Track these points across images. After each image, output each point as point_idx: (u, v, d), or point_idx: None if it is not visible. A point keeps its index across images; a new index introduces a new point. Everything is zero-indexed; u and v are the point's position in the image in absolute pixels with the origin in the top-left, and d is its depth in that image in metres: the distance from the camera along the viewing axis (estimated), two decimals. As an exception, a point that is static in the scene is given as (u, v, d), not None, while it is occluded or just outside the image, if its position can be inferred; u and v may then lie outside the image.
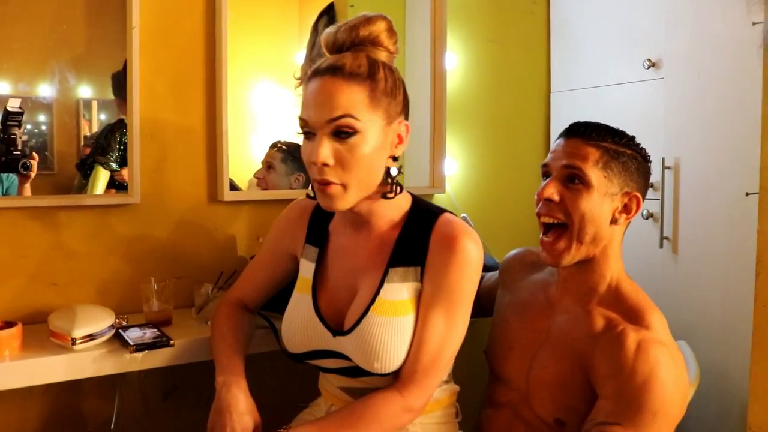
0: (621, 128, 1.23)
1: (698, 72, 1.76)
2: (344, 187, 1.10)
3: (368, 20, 1.13)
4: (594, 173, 1.16)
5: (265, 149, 1.86)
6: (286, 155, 1.85)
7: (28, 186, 1.52)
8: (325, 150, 1.07)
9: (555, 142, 1.25)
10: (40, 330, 1.38)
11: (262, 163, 1.84)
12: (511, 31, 2.20)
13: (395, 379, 1.15)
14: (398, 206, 1.21)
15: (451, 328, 1.15)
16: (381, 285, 1.16)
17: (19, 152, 1.49)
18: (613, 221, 1.19)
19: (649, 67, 1.90)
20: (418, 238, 1.17)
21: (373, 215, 1.19)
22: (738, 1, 1.61)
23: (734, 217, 1.65)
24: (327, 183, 1.09)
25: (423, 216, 1.19)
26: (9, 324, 1.30)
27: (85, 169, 1.62)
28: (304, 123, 1.11)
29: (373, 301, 1.15)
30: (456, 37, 2.07)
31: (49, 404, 1.54)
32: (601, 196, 1.17)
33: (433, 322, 1.14)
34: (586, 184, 1.16)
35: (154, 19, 1.60)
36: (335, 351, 1.18)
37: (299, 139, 1.15)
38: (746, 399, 1.37)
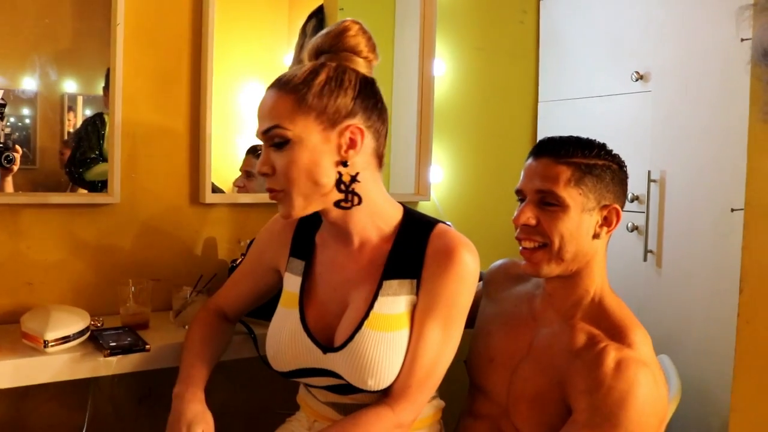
0: (605, 140, 1.21)
1: (686, 86, 1.76)
2: (286, 193, 1.09)
3: (347, 29, 1.12)
4: (568, 193, 1.14)
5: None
6: None
7: (10, 180, 1.49)
8: (262, 161, 1.10)
9: (526, 162, 1.22)
10: (12, 330, 1.35)
11: (240, 170, 1.80)
12: (500, 39, 2.20)
13: (384, 395, 1.12)
14: (387, 217, 1.17)
15: (447, 342, 1.12)
16: (375, 298, 1.11)
17: (1, 144, 1.46)
18: (595, 236, 1.18)
19: (636, 80, 1.90)
20: (412, 250, 1.13)
21: (354, 225, 1.15)
22: (726, 17, 1.61)
23: (719, 231, 1.65)
24: (271, 190, 1.11)
25: (416, 227, 1.16)
26: (-21, 325, 1.27)
27: (78, 167, 1.59)
28: None
29: (366, 316, 1.10)
30: (445, 44, 2.07)
31: (16, 408, 1.50)
32: (579, 213, 1.15)
33: (429, 335, 1.11)
34: (561, 205, 1.14)
35: (139, 16, 1.58)
36: (325, 369, 1.13)
37: None
38: (727, 413, 1.37)
